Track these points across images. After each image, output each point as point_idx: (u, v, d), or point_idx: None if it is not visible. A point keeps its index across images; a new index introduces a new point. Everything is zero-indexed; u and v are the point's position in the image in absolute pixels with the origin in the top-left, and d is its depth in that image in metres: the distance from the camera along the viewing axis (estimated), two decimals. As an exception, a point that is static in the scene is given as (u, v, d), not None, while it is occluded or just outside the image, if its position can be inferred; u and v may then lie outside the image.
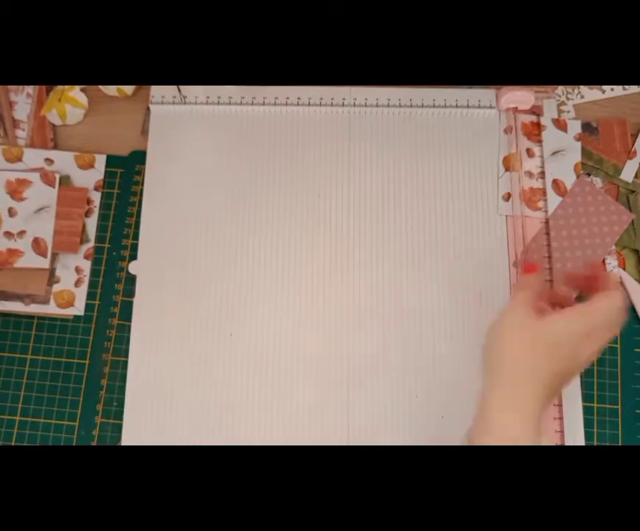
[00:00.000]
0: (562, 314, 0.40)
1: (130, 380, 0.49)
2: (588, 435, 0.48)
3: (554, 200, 0.52)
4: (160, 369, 0.49)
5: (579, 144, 0.53)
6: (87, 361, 0.51)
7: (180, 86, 0.54)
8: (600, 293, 0.40)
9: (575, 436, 0.47)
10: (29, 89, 0.57)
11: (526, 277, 0.46)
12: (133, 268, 0.52)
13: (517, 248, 0.51)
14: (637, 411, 0.49)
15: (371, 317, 0.50)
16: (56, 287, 0.52)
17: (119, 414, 0.49)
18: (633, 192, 0.53)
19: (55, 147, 0.56)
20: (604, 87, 0.56)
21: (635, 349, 0.50)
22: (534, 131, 0.54)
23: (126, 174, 0.55)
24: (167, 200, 0.53)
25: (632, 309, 0.51)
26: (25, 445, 0.49)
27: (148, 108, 0.55)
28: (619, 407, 0.49)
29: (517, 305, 0.41)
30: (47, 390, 0.50)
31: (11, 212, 0.53)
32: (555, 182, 0.53)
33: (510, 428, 0.37)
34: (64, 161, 0.55)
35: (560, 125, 0.54)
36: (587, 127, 0.54)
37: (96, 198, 0.54)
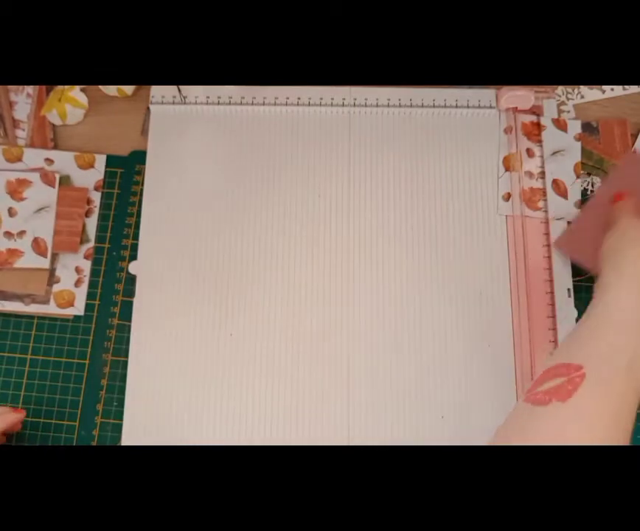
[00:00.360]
0: None
1: (130, 380, 0.49)
2: (588, 435, 0.48)
3: (554, 200, 0.52)
4: (160, 369, 0.49)
5: (579, 145, 0.53)
6: (87, 361, 0.51)
7: (180, 86, 0.54)
8: None
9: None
10: (29, 89, 0.57)
11: (619, 204, 0.48)
12: (133, 268, 0.52)
13: (517, 248, 0.51)
14: (637, 411, 0.49)
15: (372, 317, 0.50)
16: (56, 287, 0.52)
17: (119, 414, 0.49)
18: (633, 192, 0.53)
19: (55, 147, 0.56)
20: (604, 87, 0.56)
21: (635, 349, 0.50)
22: (534, 131, 0.54)
23: (126, 174, 0.55)
24: (166, 200, 0.53)
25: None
26: (25, 445, 0.49)
27: (148, 108, 0.55)
28: (619, 407, 0.49)
29: (628, 221, 0.45)
30: (47, 390, 0.50)
31: (11, 212, 0.53)
32: (555, 182, 0.53)
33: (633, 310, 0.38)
34: (64, 161, 0.55)
35: (560, 125, 0.54)
36: (587, 127, 0.54)
37: (96, 198, 0.54)
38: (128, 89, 0.56)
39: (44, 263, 0.52)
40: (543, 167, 0.53)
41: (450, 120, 0.54)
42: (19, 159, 0.55)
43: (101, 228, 0.53)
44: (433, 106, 0.54)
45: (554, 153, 0.53)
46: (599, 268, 0.43)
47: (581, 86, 0.56)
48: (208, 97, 0.55)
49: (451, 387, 0.48)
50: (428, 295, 0.50)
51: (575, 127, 0.54)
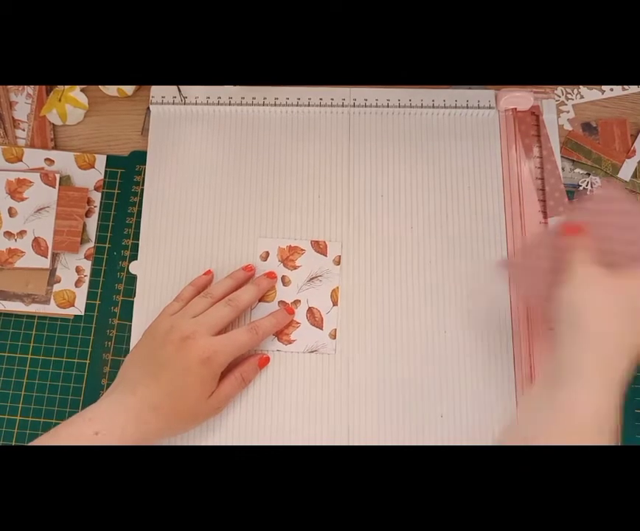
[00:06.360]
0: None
1: (130, 380, 0.49)
2: (587, 435, 0.48)
3: (550, 199, 0.52)
4: (160, 368, 0.49)
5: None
6: (87, 361, 0.51)
7: (180, 86, 0.54)
8: None
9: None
10: (29, 89, 0.57)
11: (571, 242, 0.41)
12: (133, 268, 0.52)
13: (517, 248, 0.51)
14: (637, 411, 0.49)
15: (371, 316, 0.50)
16: (56, 287, 0.52)
17: (120, 414, 0.49)
18: (632, 192, 0.53)
19: (55, 147, 0.56)
20: (603, 87, 0.56)
21: (635, 349, 0.50)
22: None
23: (126, 174, 0.55)
24: (167, 200, 0.53)
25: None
26: (25, 445, 0.49)
27: (148, 108, 0.55)
28: (619, 407, 0.49)
29: (585, 269, 0.39)
30: (47, 390, 0.50)
31: (11, 212, 0.53)
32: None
33: (595, 397, 0.35)
34: (64, 162, 0.55)
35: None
36: (586, 127, 0.54)
37: (96, 198, 0.54)
38: (128, 89, 0.56)
39: (44, 263, 0.52)
40: (542, 167, 0.53)
41: (450, 120, 0.54)
42: (19, 159, 0.55)
43: (101, 228, 0.54)
44: (433, 106, 0.54)
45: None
46: (550, 312, 0.40)
47: (580, 86, 0.56)
48: (208, 97, 0.55)
49: (450, 386, 0.48)
50: (427, 294, 0.50)
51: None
